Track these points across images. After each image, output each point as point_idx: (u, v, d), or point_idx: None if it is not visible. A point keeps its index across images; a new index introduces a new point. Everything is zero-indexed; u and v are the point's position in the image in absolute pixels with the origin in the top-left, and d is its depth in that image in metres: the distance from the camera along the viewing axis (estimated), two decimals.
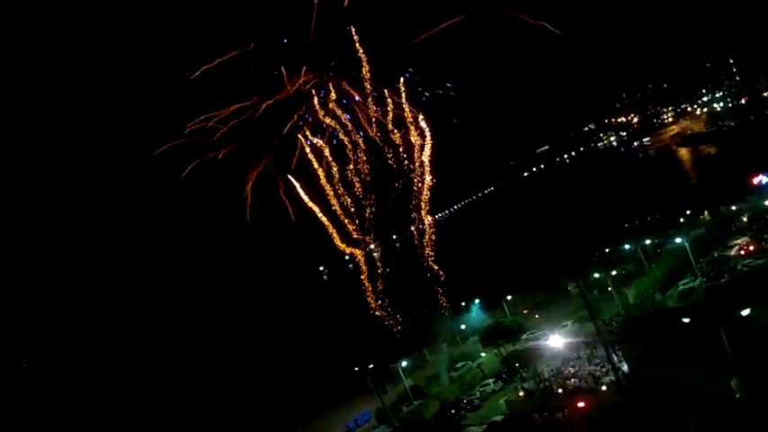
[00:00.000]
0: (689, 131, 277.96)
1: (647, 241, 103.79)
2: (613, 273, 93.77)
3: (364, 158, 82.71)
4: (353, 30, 78.56)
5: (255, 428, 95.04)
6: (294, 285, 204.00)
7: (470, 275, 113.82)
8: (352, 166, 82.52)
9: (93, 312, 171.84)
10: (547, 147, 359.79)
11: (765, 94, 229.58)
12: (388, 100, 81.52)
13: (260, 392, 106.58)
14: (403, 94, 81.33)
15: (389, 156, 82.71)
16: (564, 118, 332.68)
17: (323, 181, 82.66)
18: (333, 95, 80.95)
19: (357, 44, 78.75)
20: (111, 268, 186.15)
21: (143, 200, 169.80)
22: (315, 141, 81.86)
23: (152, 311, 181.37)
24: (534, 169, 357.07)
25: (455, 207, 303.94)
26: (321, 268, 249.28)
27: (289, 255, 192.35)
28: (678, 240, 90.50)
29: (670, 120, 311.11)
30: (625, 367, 57.77)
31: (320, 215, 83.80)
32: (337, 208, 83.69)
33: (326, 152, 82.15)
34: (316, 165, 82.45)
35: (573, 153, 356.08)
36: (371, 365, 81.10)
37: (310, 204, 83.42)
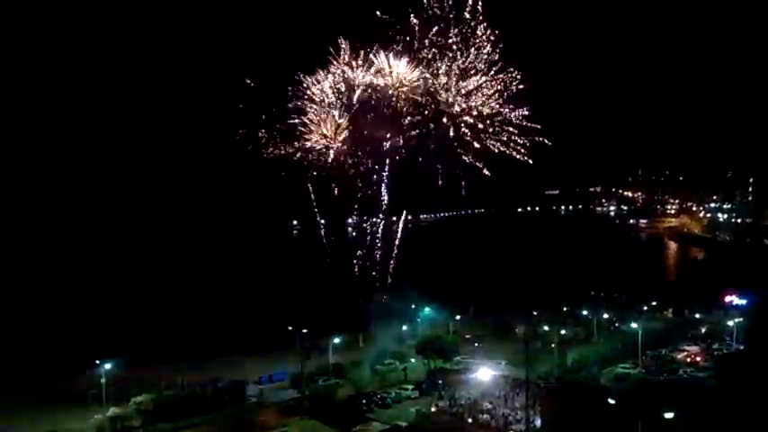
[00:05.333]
0: (686, 229, 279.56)
1: (606, 315, 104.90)
2: (562, 332, 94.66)
3: None
4: None
5: (177, 352, 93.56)
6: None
7: (432, 282, 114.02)
8: None
9: None
10: (557, 191, 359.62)
11: None
12: None
13: (196, 322, 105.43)
14: None
15: None
16: (579, 171, 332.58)
17: None
18: None
19: None
20: None
21: None
22: None
23: None
24: (529, 208, 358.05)
25: (442, 215, 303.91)
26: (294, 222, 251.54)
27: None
28: (634, 325, 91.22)
29: (673, 211, 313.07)
30: (538, 422, 58.29)
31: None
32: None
33: None
34: None
35: (570, 207, 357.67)
36: (305, 330, 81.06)
37: None
